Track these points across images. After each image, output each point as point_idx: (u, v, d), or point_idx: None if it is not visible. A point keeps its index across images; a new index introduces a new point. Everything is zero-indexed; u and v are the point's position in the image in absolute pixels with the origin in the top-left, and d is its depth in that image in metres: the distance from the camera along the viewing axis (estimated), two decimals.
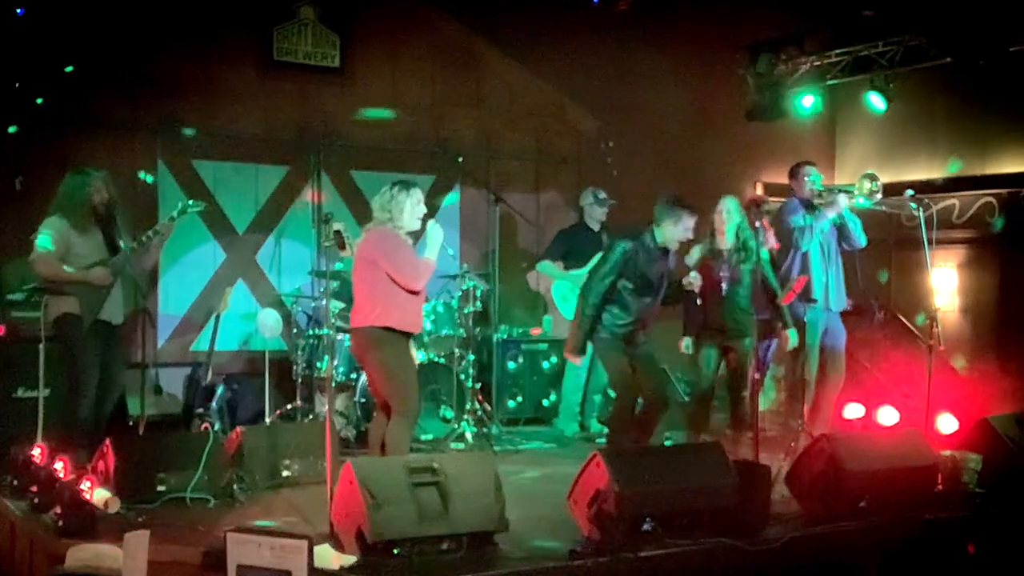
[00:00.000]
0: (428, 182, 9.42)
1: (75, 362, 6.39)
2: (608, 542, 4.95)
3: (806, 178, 7.47)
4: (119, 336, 6.69)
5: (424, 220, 5.90)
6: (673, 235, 6.49)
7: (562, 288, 8.48)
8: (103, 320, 6.48)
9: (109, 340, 6.56)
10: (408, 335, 5.85)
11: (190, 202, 6.65)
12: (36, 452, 5.86)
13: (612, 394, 7.13)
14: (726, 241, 6.83)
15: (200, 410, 6.91)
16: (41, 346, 6.42)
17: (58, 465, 5.60)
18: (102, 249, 6.49)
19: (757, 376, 6.54)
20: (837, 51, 9.43)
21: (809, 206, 7.39)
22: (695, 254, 6.92)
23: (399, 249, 5.75)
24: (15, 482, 5.82)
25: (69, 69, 7.67)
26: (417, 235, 5.90)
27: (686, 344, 6.95)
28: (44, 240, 6.34)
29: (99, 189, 6.52)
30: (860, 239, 7.44)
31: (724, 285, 6.74)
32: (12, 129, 7.63)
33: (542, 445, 8.14)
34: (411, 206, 5.80)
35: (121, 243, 6.54)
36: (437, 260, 5.86)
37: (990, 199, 9.87)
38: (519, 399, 8.96)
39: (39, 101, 7.72)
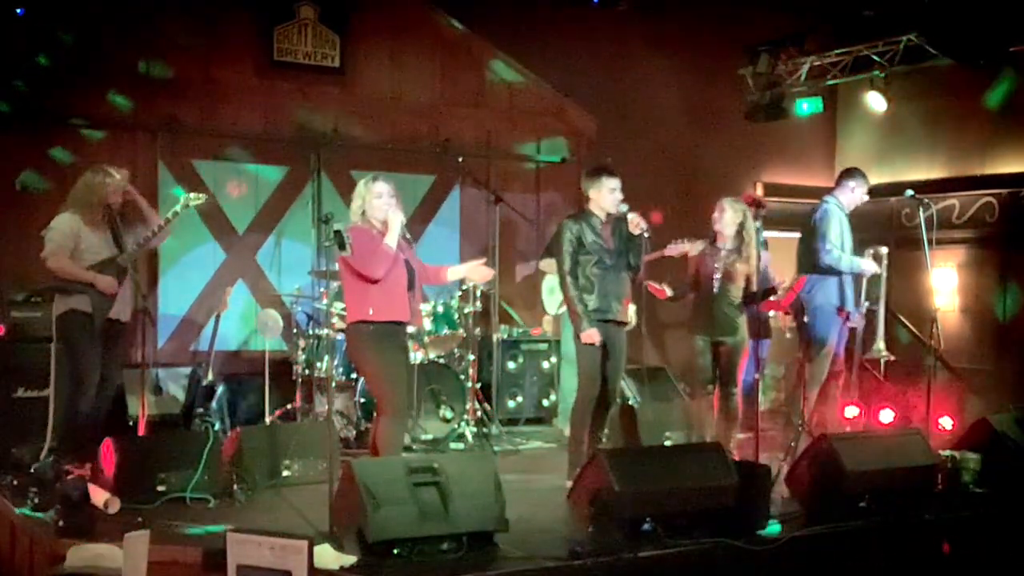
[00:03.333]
0: (428, 182, 9.43)
1: (78, 360, 6.38)
2: (608, 542, 4.95)
3: (859, 193, 7.45)
4: (123, 334, 6.69)
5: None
6: (605, 201, 6.40)
7: (550, 281, 8.50)
8: (112, 318, 6.50)
9: (113, 338, 6.57)
10: (396, 326, 5.76)
11: (191, 195, 6.65)
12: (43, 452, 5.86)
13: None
14: (726, 240, 6.85)
15: (200, 410, 6.91)
16: (52, 345, 6.42)
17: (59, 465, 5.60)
18: (111, 246, 6.51)
19: (757, 376, 6.56)
20: (837, 51, 9.44)
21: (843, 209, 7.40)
22: (696, 247, 6.95)
23: (356, 240, 5.69)
24: (15, 482, 5.82)
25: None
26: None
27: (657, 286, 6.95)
28: (52, 237, 6.36)
29: (116, 190, 6.53)
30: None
31: (717, 281, 6.75)
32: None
33: (542, 445, 8.14)
34: (370, 198, 5.75)
35: (128, 242, 6.56)
36: (394, 245, 5.70)
37: (990, 199, 9.87)
38: (519, 399, 8.96)
39: (19, 85, 7.68)
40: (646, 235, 6.33)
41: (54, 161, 7.88)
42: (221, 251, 8.67)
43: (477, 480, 4.96)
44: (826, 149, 11.47)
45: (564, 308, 8.23)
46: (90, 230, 6.42)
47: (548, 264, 8.48)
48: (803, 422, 6.98)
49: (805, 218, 7.62)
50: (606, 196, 6.39)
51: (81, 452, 6.17)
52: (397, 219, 5.74)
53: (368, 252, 5.67)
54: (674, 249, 6.92)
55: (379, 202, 5.76)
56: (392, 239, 5.71)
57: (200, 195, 6.72)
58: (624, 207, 6.36)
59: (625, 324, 6.55)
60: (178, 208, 6.55)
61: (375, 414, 5.98)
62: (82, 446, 6.21)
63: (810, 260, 7.40)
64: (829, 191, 7.62)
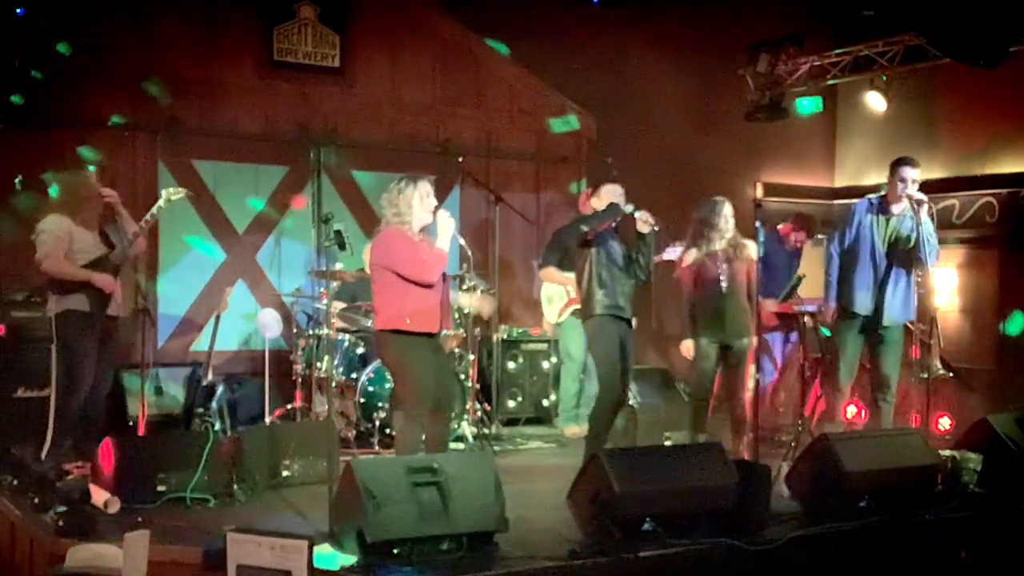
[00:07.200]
0: None
1: (76, 360, 6.39)
2: (608, 542, 4.95)
3: (896, 182, 6.85)
4: (116, 330, 6.70)
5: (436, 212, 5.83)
6: (602, 205, 6.50)
7: (548, 289, 8.48)
8: (109, 315, 6.51)
9: (108, 335, 6.58)
10: (427, 335, 5.74)
11: (171, 190, 6.68)
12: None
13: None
14: (721, 241, 6.83)
15: (200, 410, 6.90)
16: (52, 346, 6.41)
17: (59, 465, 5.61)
18: (100, 245, 6.51)
19: (757, 377, 6.53)
20: (837, 51, 9.44)
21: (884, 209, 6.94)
22: (691, 256, 6.92)
23: (402, 245, 5.66)
24: (15, 482, 5.82)
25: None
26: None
27: (689, 346, 6.92)
28: (45, 240, 6.36)
29: (97, 185, 6.55)
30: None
31: (723, 284, 6.72)
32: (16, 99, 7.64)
33: (542, 445, 8.15)
34: (418, 199, 5.71)
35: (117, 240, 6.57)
36: (448, 249, 5.76)
37: (990, 199, 9.86)
38: (519, 399, 8.96)
39: (15, 100, 7.68)
40: (656, 229, 6.32)
41: (54, 161, 7.87)
42: (221, 251, 8.68)
43: (477, 480, 4.96)
44: (826, 149, 11.47)
45: (564, 316, 8.27)
46: (82, 229, 6.43)
47: (546, 272, 8.46)
48: (803, 422, 6.98)
49: None
50: (606, 203, 6.43)
51: (76, 450, 6.17)
52: (451, 223, 5.72)
53: (417, 257, 5.63)
54: (673, 253, 6.85)
55: (429, 202, 5.74)
56: (446, 243, 5.68)
57: (179, 190, 6.77)
58: (630, 207, 6.36)
59: (632, 325, 6.57)
60: (161, 203, 6.57)
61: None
62: (75, 445, 6.21)
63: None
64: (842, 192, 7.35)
